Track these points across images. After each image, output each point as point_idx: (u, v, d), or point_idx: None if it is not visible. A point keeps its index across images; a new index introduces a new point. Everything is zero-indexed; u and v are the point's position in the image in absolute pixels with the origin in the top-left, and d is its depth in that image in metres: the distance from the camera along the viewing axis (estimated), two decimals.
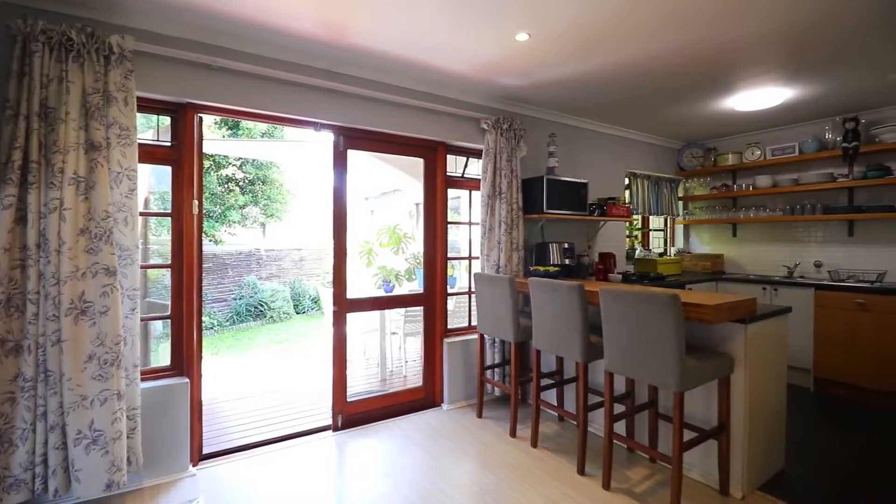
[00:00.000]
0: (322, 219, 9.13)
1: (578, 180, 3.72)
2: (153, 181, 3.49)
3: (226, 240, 8.43)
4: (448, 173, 3.61)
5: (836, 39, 2.56)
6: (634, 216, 4.94)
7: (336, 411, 3.07)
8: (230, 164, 7.49)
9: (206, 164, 7.29)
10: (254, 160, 7.44)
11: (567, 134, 4.14)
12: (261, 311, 8.60)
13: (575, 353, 2.49)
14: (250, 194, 7.90)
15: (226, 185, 7.70)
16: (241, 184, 7.76)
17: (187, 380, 2.48)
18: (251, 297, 8.68)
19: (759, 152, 4.56)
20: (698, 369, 2.04)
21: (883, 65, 2.95)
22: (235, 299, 8.63)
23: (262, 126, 7.54)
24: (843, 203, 4.11)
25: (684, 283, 4.18)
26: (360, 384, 4.11)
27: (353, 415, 3.13)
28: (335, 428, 3.06)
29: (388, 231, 4.99)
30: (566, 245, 3.69)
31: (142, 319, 2.33)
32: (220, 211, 7.75)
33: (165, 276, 2.71)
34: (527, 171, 3.77)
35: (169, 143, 2.54)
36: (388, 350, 4.47)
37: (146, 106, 2.42)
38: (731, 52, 2.72)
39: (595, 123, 4.34)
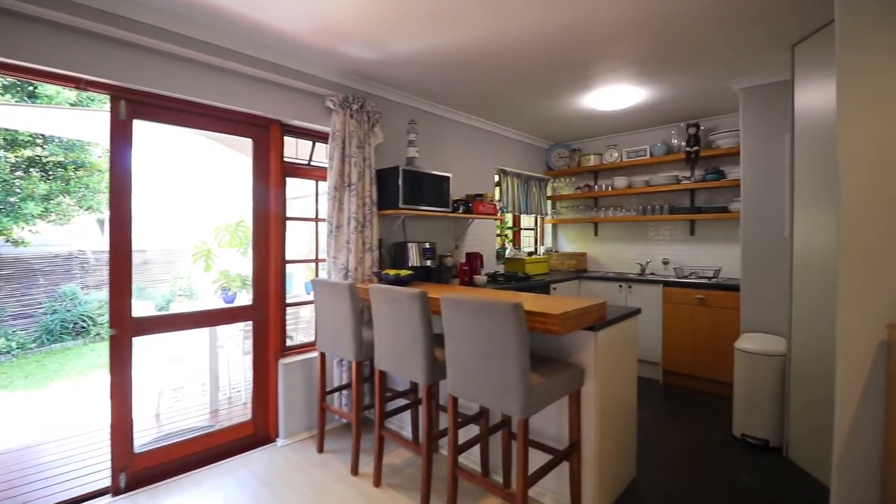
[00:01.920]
0: (177, 212, 7.71)
1: (440, 173, 3.37)
2: None
3: (31, 239, 6.65)
4: (289, 159, 3.01)
5: (684, 36, 2.54)
6: (505, 214, 4.80)
7: (117, 468, 2.29)
8: (28, 142, 5.83)
9: None
10: (60, 138, 5.88)
11: (431, 123, 3.79)
12: (83, 327, 6.97)
13: (417, 372, 2.09)
14: (59, 181, 6.27)
15: (25, 170, 6.00)
16: (46, 167, 6.11)
17: None
18: (69, 310, 6.99)
19: (616, 154, 4.71)
20: (545, 389, 1.77)
21: (724, 70, 3.07)
22: (46, 314, 6.88)
23: (72, 93, 6.01)
24: (686, 204, 4.38)
25: (550, 283, 4.11)
26: (177, 422, 3.29)
27: (145, 470, 2.38)
28: (116, 491, 2.28)
29: (230, 228, 4.19)
30: (427, 245, 3.32)
31: None
32: (16, 202, 6.03)
33: None
34: (385, 161, 3.32)
35: None
36: (224, 373, 3.70)
37: None
38: (588, 42, 2.57)
39: (463, 115, 4.06)
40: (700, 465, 2.56)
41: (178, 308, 4.78)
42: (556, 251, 5.20)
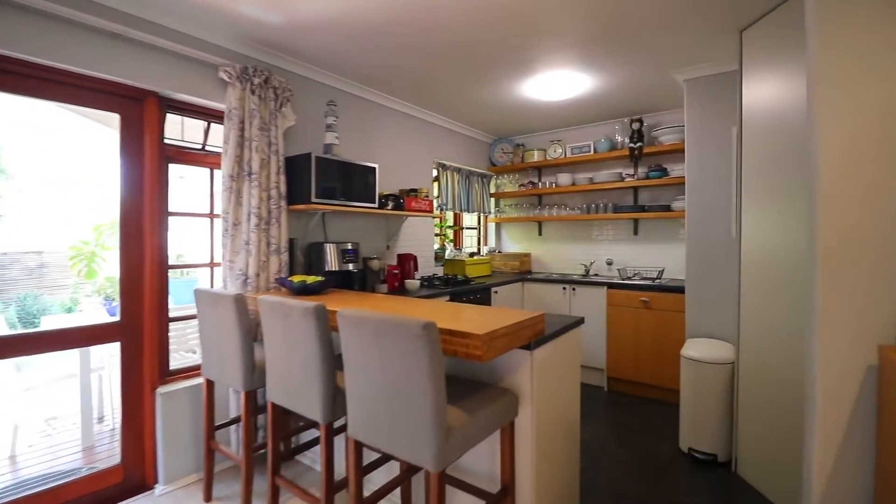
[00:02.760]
0: (49, 207, 6.66)
1: (365, 164, 2.94)
2: None
3: None
4: (173, 141, 2.47)
5: (625, 18, 2.27)
6: (445, 212, 4.44)
7: None
8: None
9: None
10: None
11: (359, 108, 3.35)
12: None
13: (313, 407, 1.67)
14: None
15: None
16: None
17: None
18: None
19: (560, 150, 4.49)
20: (468, 429, 1.40)
21: (669, 60, 2.86)
22: None
23: None
24: (629, 202, 4.23)
25: (492, 287, 3.79)
26: (35, 465, 2.65)
27: None
28: None
29: (115, 226, 3.51)
30: (349, 246, 2.88)
31: None
32: None
33: None
34: (299, 148, 2.85)
35: None
36: (107, 402, 3.07)
37: None
38: (522, 17, 2.24)
39: (396, 101, 3.65)
40: (646, 488, 2.32)
41: (49, 324, 4.01)
42: (499, 252, 4.91)
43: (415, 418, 1.31)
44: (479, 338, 1.37)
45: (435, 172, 4.18)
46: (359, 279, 2.97)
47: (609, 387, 3.78)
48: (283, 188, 2.64)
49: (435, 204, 4.17)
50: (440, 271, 4.20)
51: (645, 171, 3.97)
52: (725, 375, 2.55)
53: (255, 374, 1.99)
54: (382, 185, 3.44)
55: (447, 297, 3.24)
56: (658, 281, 3.73)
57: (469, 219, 5.08)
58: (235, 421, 2.36)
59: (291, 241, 2.75)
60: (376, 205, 3.00)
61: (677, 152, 3.83)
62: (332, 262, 2.77)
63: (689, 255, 3.09)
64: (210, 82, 2.46)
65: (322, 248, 2.79)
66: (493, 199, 5.08)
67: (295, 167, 2.67)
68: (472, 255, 4.50)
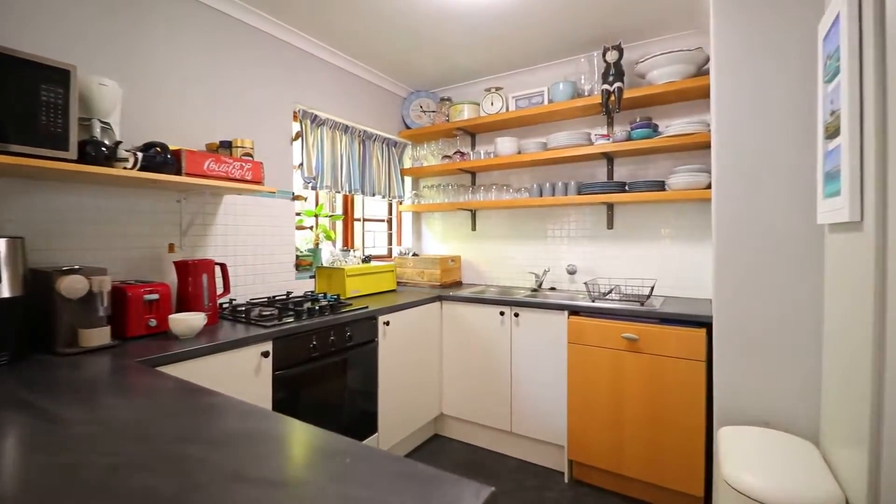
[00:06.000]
0: None
1: (38, 60, 1.32)
2: None
3: None
4: None
5: None
6: (318, 191, 2.87)
7: None
8: None
9: None
10: None
11: None
12: None
13: None
14: None
15: None
16: None
17: None
18: None
19: (500, 102, 3.02)
20: None
21: None
22: None
23: None
24: (601, 178, 2.81)
25: (381, 312, 2.25)
26: None
27: None
28: None
29: None
30: None
31: None
32: None
33: None
34: None
35: None
36: None
37: None
38: None
39: None
40: None
41: None
42: (414, 255, 3.38)
43: None
44: None
45: (297, 127, 2.59)
46: (15, 321, 1.32)
47: (573, 475, 2.33)
48: None
49: (297, 177, 2.59)
50: (306, 286, 2.62)
51: (625, 129, 2.55)
52: None
53: None
54: (140, 121, 1.84)
55: (265, 351, 1.68)
56: (649, 302, 2.31)
57: (376, 206, 3.52)
58: None
59: None
60: (73, 154, 1.37)
61: (676, 97, 2.44)
62: None
63: (718, 262, 1.66)
64: None
65: None
66: (407, 179, 3.55)
67: None
68: (366, 259, 2.95)
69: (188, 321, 1.55)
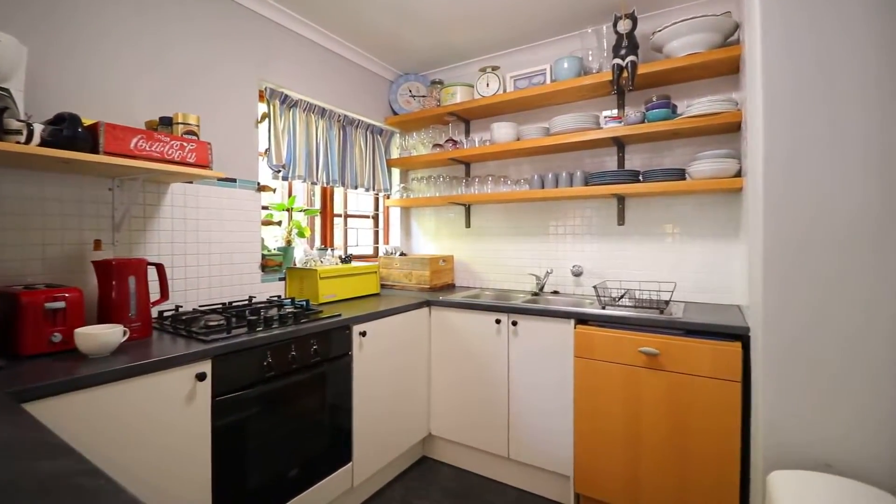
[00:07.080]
0: None
1: None
2: None
3: None
4: None
5: None
6: (291, 182, 2.55)
7: None
8: None
9: None
10: None
11: None
12: None
13: None
14: None
15: None
16: None
17: None
18: None
19: (496, 83, 2.69)
20: None
21: None
22: None
23: None
24: (611, 167, 2.49)
25: (356, 321, 1.92)
26: None
27: None
28: None
29: None
30: None
31: None
32: None
33: None
34: None
35: None
36: None
37: None
38: None
39: None
40: None
41: None
42: (402, 254, 3.05)
43: None
44: None
45: (263, 108, 2.26)
46: None
47: None
48: None
49: (262, 163, 2.26)
50: (276, 289, 2.30)
51: (639, 111, 2.23)
52: None
53: None
54: (92, 102, 1.52)
55: (201, 372, 1.35)
56: (669, 309, 1.99)
57: (362, 201, 3.19)
58: None
59: None
60: None
61: (699, 73, 2.12)
62: None
63: (767, 261, 1.34)
64: None
65: None
66: (393, 171, 3.23)
67: None
68: (345, 259, 2.63)
69: (98, 336, 1.22)
